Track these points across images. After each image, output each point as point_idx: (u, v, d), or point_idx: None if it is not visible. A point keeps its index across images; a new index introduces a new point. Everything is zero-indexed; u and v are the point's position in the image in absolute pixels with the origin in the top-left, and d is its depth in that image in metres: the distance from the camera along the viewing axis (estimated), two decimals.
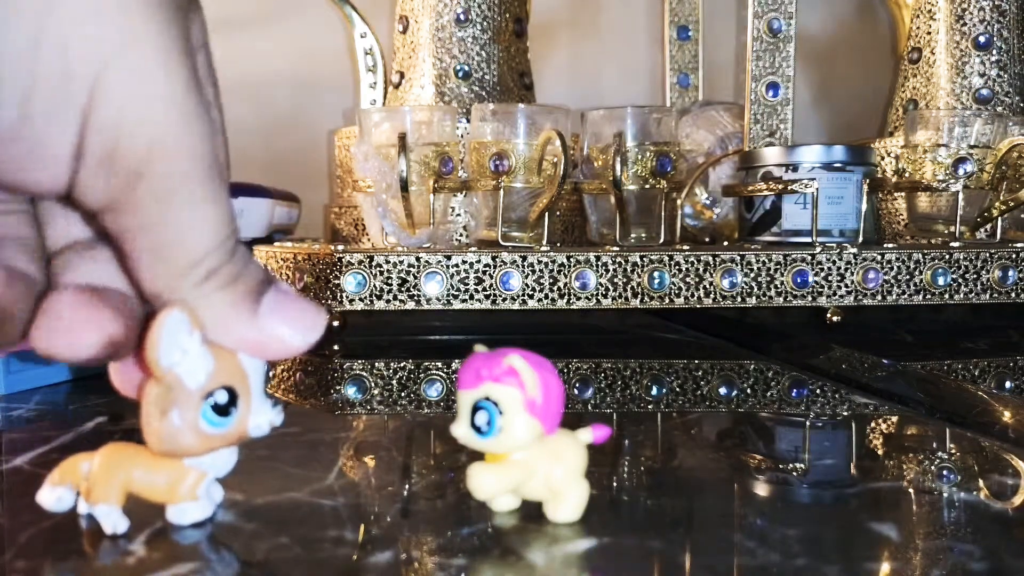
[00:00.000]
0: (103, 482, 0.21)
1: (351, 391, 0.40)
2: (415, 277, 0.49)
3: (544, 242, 0.53)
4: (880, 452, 0.31)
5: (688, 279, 0.51)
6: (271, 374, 0.45)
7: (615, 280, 0.51)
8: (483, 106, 0.55)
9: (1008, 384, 0.41)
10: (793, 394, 0.39)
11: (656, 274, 0.51)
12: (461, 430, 0.21)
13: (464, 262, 0.50)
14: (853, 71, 0.92)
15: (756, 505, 0.25)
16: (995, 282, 0.54)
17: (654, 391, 0.40)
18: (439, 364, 0.45)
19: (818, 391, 0.40)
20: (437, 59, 0.65)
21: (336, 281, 0.49)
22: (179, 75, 0.19)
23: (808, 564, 0.19)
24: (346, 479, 0.26)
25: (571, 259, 0.50)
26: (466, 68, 0.65)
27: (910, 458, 0.29)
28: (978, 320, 0.61)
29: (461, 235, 0.60)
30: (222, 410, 0.20)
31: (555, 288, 0.50)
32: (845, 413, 0.36)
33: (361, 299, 0.49)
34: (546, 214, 0.53)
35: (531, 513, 0.22)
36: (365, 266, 0.49)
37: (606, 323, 0.61)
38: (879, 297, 0.53)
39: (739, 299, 0.52)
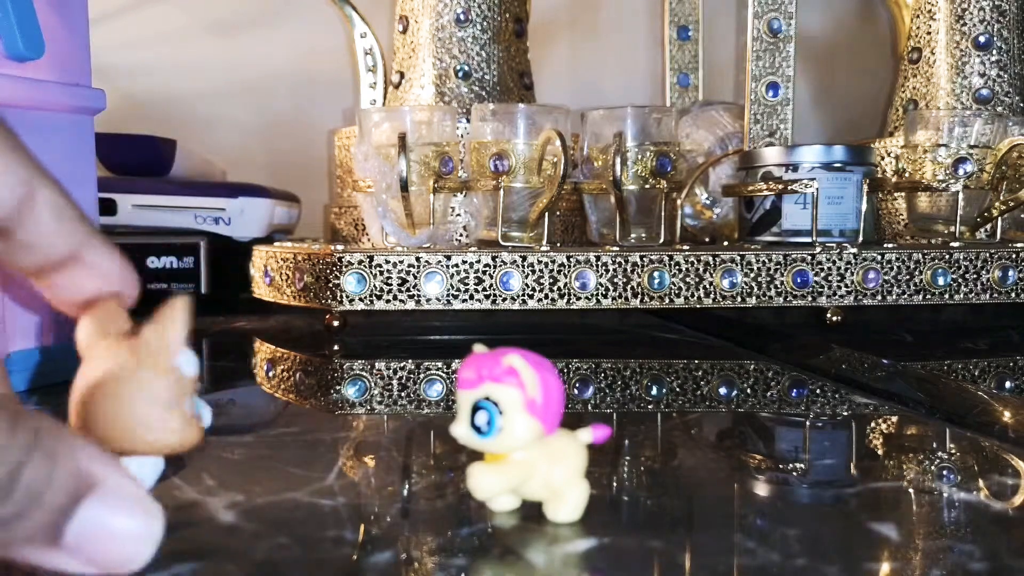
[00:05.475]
0: None
1: (351, 391, 0.40)
2: (415, 277, 0.49)
3: (544, 242, 0.53)
4: (880, 452, 0.31)
5: (688, 279, 0.51)
6: (271, 374, 0.45)
7: (615, 280, 0.51)
8: (483, 106, 0.55)
9: (1008, 384, 0.41)
10: (793, 394, 0.39)
11: (656, 274, 0.51)
12: (461, 430, 0.21)
13: (464, 262, 0.50)
14: (853, 71, 0.92)
15: (756, 505, 0.25)
16: (995, 282, 0.54)
17: (654, 391, 0.40)
18: (439, 364, 0.45)
19: (818, 391, 0.40)
20: (437, 59, 0.65)
21: (336, 281, 0.49)
22: None
23: (808, 564, 0.19)
24: (346, 479, 0.26)
25: (571, 259, 0.50)
26: (466, 68, 0.65)
27: (910, 458, 0.29)
28: (978, 320, 0.61)
29: (461, 235, 0.60)
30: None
31: (555, 288, 0.50)
32: (845, 413, 0.36)
33: (361, 299, 0.49)
34: (546, 214, 0.53)
35: (531, 513, 0.22)
36: (365, 266, 0.49)
37: (606, 323, 0.61)
38: (879, 297, 0.53)
39: (739, 299, 0.52)
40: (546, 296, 0.50)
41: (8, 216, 0.19)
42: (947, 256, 0.53)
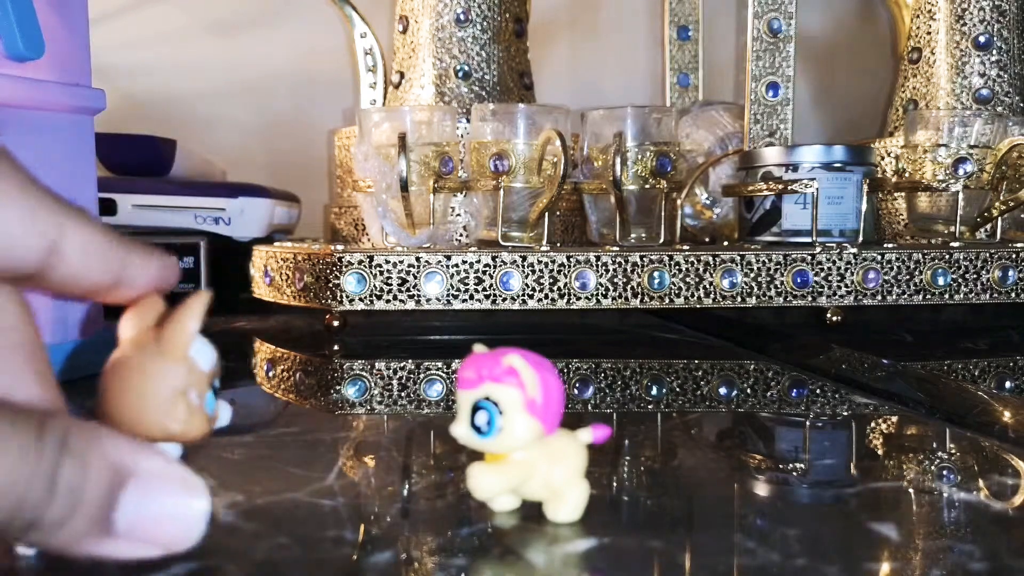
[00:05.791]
0: None
1: (351, 391, 0.40)
2: (415, 277, 0.49)
3: (544, 242, 0.53)
4: (880, 452, 0.31)
5: (688, 279, 0.51)
6: (271, 374, 0.45)
7: (615, 280, 0.51)
8: (483, 106, 0.55)
9: (1008, 384, 0.41)
10: (793, 394, 0.39)
11: (656, 274, 0.51)
12: (461, 430, 0.21)
13: (464, 262, 0.50)
14: (853, 71, 0.92)
15: (756, 505, 0.25)
16: (995, 282, 0.54)
17: (654, 391, 0.40)
18: (439, 364, 0.45)
19: (818, 391, 0.40)
20: (437, 59, 0.65)
21: (336, 281, 0.49)
22: None
23: (808, 564, 0.19)
24: (346, 479, 0.26)
25: (571, 259, 0.50)
26: (466, 68, 0.65)
27: (910, 458, 0.29)
28: (978, 320, 0.61)
29: (461, 235, 0.60)
30: (215, 396, 0.20)
31: (555, 288, 0.50)
32: (845, 413, 0.36)
33: (361, 299, 0.49)
34: (546, 214, 0.53)
35: (531, 513, 0.22)
36: (365, 266, 0.49)
37: (606, 323, 0.61)
38: (879, 297, 0.53)
39: (739, 299, 0.52)
40: (546, 296, 0.50)
41: (37, 268, 0.19)
42: (947, 256, 0.53)
